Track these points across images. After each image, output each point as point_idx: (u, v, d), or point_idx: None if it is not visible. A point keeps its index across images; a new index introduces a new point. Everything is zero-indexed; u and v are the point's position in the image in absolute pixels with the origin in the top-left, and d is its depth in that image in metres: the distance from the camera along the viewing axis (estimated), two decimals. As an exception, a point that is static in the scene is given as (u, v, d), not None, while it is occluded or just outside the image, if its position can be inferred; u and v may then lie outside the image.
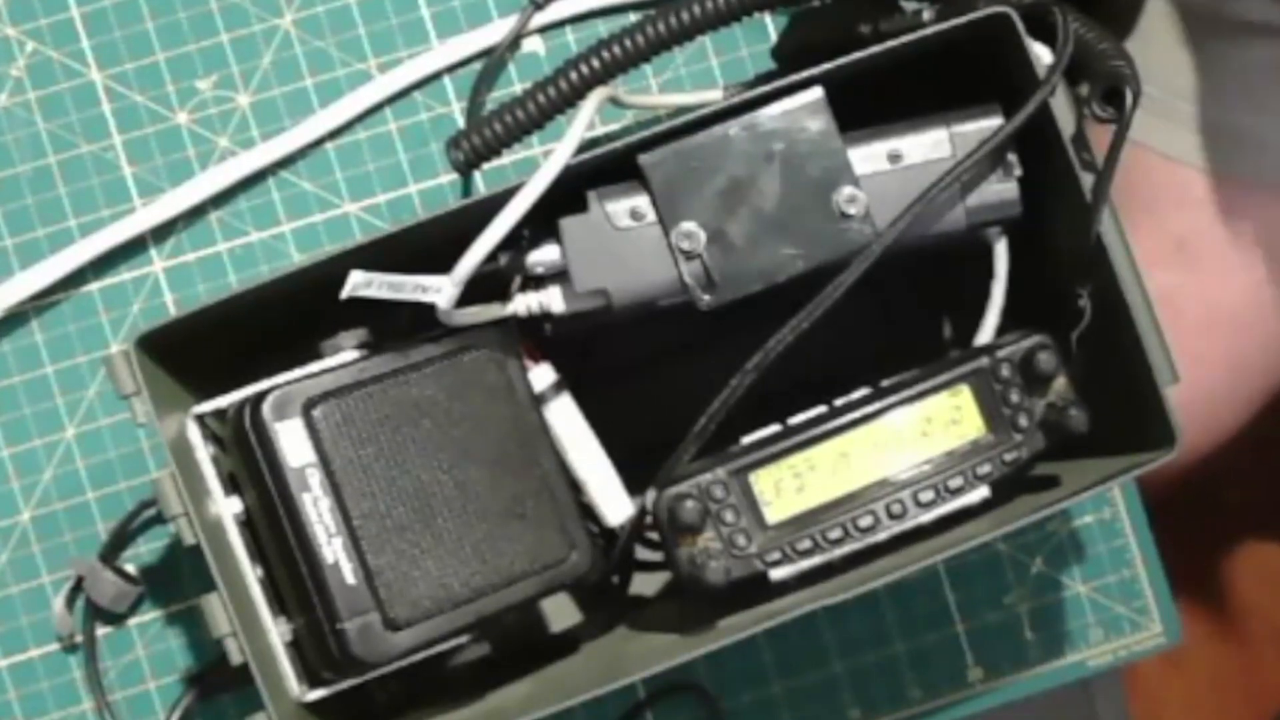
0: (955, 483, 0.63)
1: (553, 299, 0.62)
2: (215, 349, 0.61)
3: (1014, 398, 0.63)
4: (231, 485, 0.62)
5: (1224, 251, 0.84)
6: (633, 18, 0.74)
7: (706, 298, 0.61)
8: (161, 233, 0.73)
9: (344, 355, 0.62)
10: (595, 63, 0.66)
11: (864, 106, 0.62)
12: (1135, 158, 0.83)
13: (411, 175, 0.74)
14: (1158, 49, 0.83)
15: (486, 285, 0.61)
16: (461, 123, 0.74)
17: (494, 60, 0.74)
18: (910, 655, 0.75)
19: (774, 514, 0.62)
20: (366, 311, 0.60)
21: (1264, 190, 0.83)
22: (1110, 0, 0.88)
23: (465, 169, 0.68)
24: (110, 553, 0.71)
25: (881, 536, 0.63)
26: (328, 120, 0.73)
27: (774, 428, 0.63)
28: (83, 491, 0.72)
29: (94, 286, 0.73)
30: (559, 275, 0.62)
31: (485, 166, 0.68)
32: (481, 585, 0.61)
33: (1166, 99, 0.82)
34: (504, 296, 0.63)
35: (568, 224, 0.61)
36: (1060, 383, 0.63)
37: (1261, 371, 0.87)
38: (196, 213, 0.73)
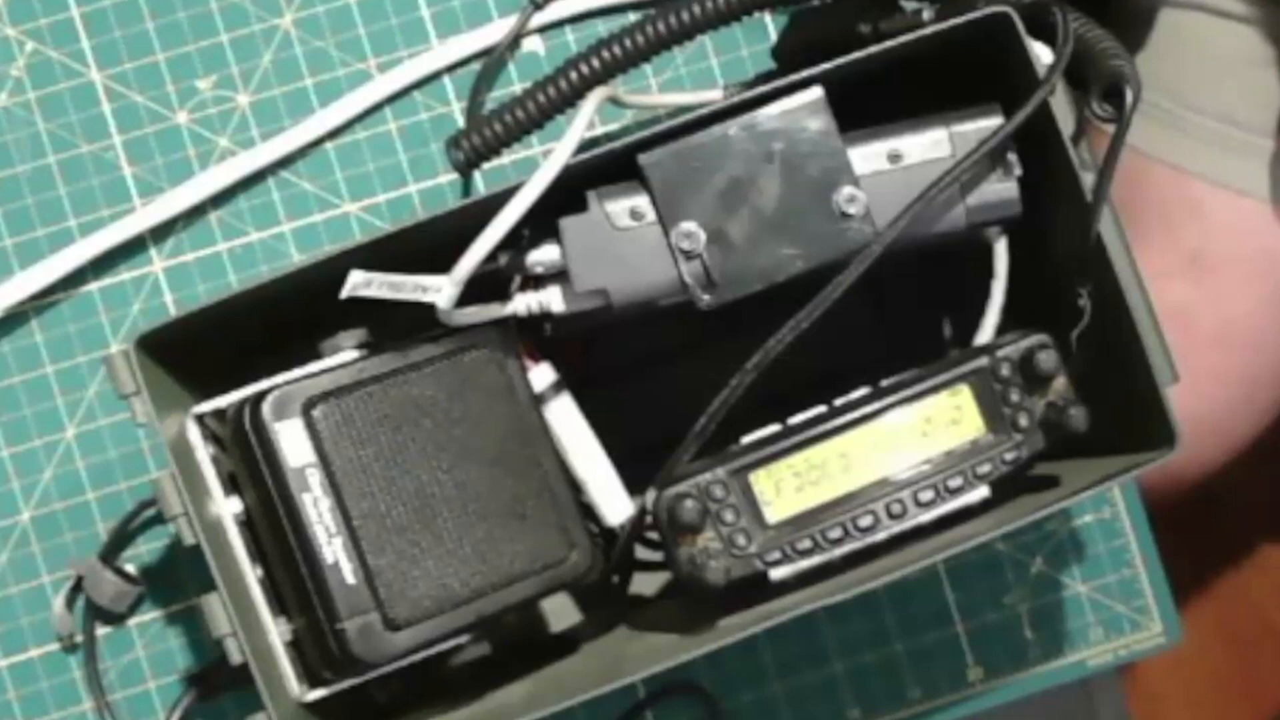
0: (955, 482, 0.63)
1: (553, 299, 0.62)
2: (215, 349, 0.61)
3: (1014, 397, 0.63)
4: (231, 485, 0.62)
5: (1237, 265, 0.84)
6: (633, 18, 0.74)
7: (706, 298, 0.61)
8: (161, 233, 0.73)
9: (344, 355, 0.62)
10: (595, 63, 0.66)
11: (864, 106, 0.62)
12: (1147, 171, 0.83)
13: (411, 175, 0.74)
14: (1168, 61, 0.83)
15: (486, 285, 0.61)
16: (461, 123, 0.74)
17: (494, 60, 0.74)
18: (910, 655, 0.75)
19: (774, 514, 0.62)
20: (366, 311, 0.60)
21: (1278, 202, 0.83)
22: (1121, 13, 0.88)
23: (465, 169, 0.68)
24: (110, 553, 0.71)
25: (881, 536, 0.63)
26: (328, 120, 0.73)
27: (774, 428, 0.63)
28: (83, 491, 0.72)
29: (94, 286, 0.73)
30: (559, 275, 0.62)
31: (485, 166, 0.68)
32: (481, 585, 0.61)
33: (1178, 111, 0.83)
34: (504, 296, 0.63)
35: (568, 224, 0.61)
36: (1060, 382, 0.63)
37: (1274, 385, 0.87)
38: (196, 213, 0.73)
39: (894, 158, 0.62)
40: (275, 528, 0.60)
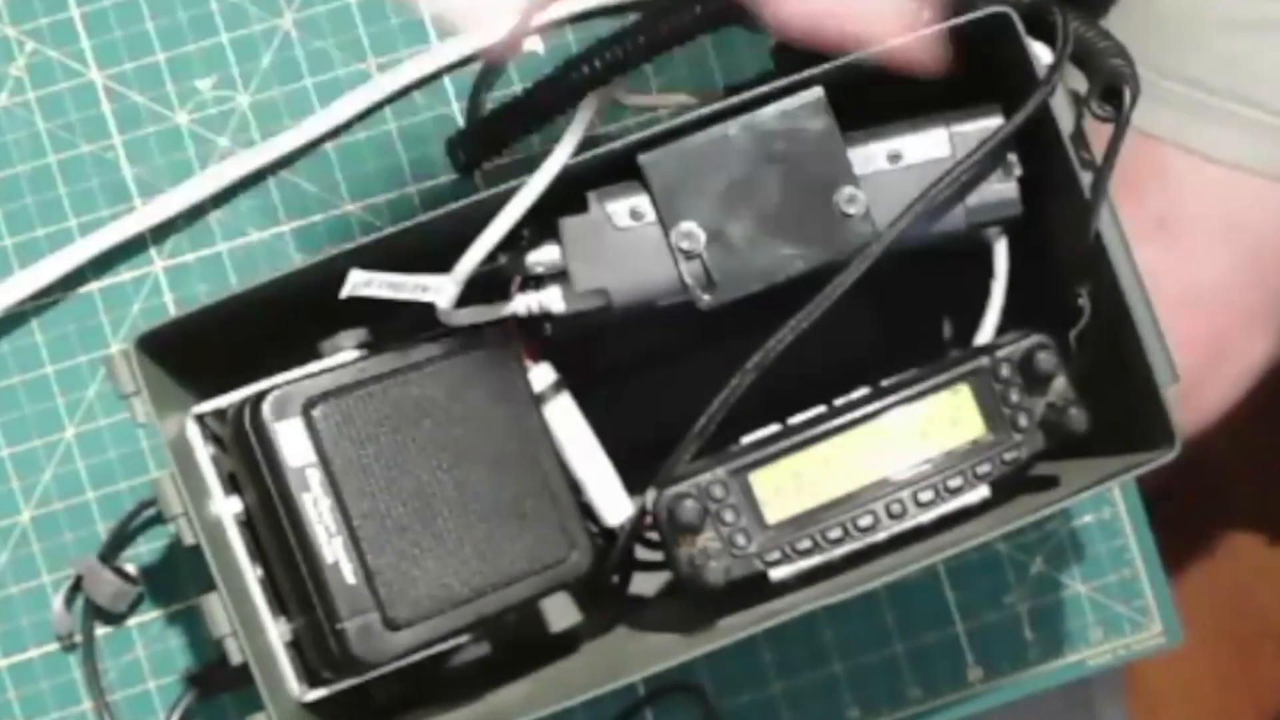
0: (955, 482, 0.63)
1: (553, 299, 0.62)
2: (215, 349, 0.61)
3: (1014, 397, 0.63)
4: (231, 485, 0.62)
5: (1205, 229, 0.83)
6: (633, 18, 0.74)
7: (706, 298, 0.61)
8: (161, 232, 0.73)
9: (344, 355, 0.62)
10: (595, 63, 0.66)
11: (864, 106, 0.62)
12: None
13: (411, 175, 0.74)
14: (1139, 25, 0.83)
15: (486, 285, 0.61)
16: (461, 123, 0.74)
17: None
18: (910, 655, 0.75)
19: (774, 514, 0.62)
20: (366, 311, 0.60)
21: (1245, 168, 0.82)
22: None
23: (465, 169, 0.68)
24: (110, 552, 0.71)
25: (881, 536, 0.63)
26: (328, 120, 0.73)
27: (774, 428, 0.63)
28: (83, 491, 0.72)
29: (94, 286, 0.73)
30: (559, 275, 0.62)
31: (485, 166, 0.68)
32: (481, 585, 0.61)
33: (1148, 76, 0.82)
34: (504, 296, 0.63)
35: (568, 224, 0.61)
36: (1060, 382, 0.63)
37: (1243, 351, 0.87)
38: (196, 213, 0.73)
39: (894, 158, 0.62)
40: (275, 528, 0.60)
